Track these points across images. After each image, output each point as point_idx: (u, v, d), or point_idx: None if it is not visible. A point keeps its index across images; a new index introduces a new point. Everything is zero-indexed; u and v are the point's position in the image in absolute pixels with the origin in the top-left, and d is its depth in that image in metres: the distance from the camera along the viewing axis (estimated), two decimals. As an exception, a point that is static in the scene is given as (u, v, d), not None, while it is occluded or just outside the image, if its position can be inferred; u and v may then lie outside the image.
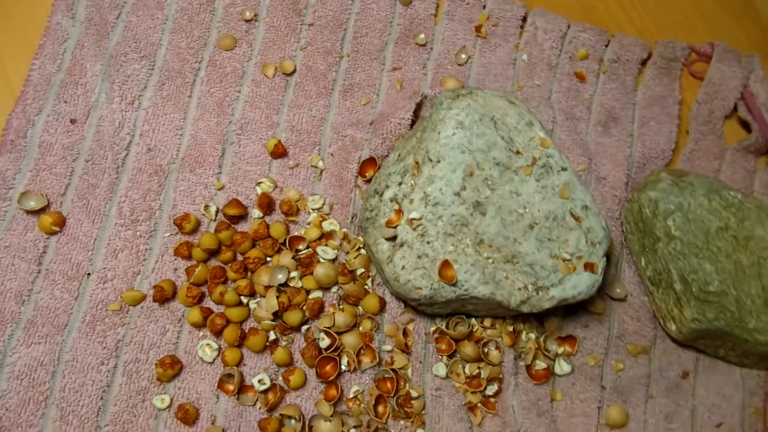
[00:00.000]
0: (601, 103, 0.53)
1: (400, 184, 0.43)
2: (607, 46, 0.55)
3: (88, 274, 0.44)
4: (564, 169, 0.44)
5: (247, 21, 0.51)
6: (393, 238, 0.42)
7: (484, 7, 0.55)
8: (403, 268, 0.41)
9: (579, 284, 0.42)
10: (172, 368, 0.42)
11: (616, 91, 0.53)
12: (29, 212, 0.44)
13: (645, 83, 0.54)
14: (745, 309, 0.43)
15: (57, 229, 0.44)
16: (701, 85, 0.54)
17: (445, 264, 0.41)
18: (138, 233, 0.45)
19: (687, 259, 0.44)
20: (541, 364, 0.45)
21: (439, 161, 0.42)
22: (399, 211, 0.42)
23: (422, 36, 0.52)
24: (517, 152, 0.43)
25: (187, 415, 0.41)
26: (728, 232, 0.45)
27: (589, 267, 0.42)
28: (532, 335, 0.46)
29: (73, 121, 0.47)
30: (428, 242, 0.41)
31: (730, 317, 0.44)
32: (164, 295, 0.44)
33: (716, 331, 0.44)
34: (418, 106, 0.50)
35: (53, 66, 0.48)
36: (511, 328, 0.46)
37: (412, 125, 0.49)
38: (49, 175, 0.46)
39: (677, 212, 0.45)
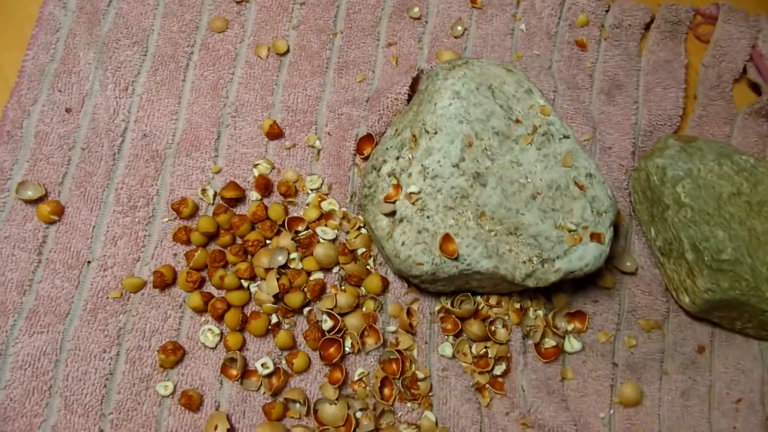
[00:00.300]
0: (604, 71, 0.51)
1: (397, 158, 0.42)
2: (607, 11, 0.53)
3: (88, 262, 0.44)
4: (566, 136, 0.42)
5: (238, 2, 0.50)
6: (392, 214, 0.41)
7: (481, -22, 0.53)
8: (403, 244, 0.40)
9: (585, 255, 0.40)
10: (174, 354, 0.42)
11: (619, 58, 0.52)
12: (27, 202, 0.44)
13: (649, 48, 0.52)
14: (761, 277, 0.42)
15: (56, 218, 0.44)
16: (707, 48, 0.52)
17: (446, 238, 0.40)
18: (136, 219, 0.45)
19: (698, 226, 0.42)
20: (550, 342, 0.44)
21: (436, 133, 0.41)
22: (397, 186, 0.41)
23: (416, 9, 0.51)
24: (517, 120, 0.42)
25: (191, 401, 0.41)
26: (741, 198, 0.43)
27: (595, 237, 0.41)
28: (540, 312, 0.45)
29: (68, 110, 0.47)
30: (428, 216, 0.40)
31: (746, 286, 0.42)
32: (164, 281, 0.43)
33: (731, 301, 0.42)
34: (415, 81, 0.49)
35: (47, 56, 0.48)
36: (518, 305, 0.44)
37: (409, 100, 0.48)
38: (46, 165, 0.45)
39: (686, 178, 0.43)
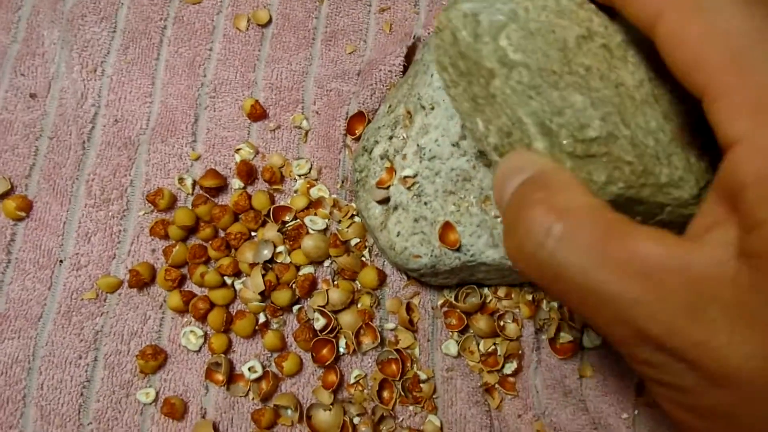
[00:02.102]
0: None
1: (390, 138, 0.37)
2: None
3: (60, 261, 0.41)
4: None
5: (214, -31, 0.46)
6: (385, 201, 0.36)
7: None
8: (398, 234, 0.36)
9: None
10: (155, 359, 0.39)
11: None
12: (-7, 198, 0.41)
13: None
14: (647, 153, 0.25)
15: (23, 214, 0.41)
16: None
17: (447, 226, 0.35)
18: (110, 213, 0.41)
19: (543, 94, 0.24)
20: (566, 337, 0.40)
21: (433, 108, 0.36)
22: (391, 169, 0.37)
23: (413, -30, 0.46)
24: None
25: (174, 409, 0.38)
26: (595, 42, 0.26)
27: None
28: (555, 304, 0.40)
29: (33, 96, 0.43)
30: (425, 203, 0.36)
31: (630, 173, 0.25)
32: (141, 280, 0.40)
33: (618, 204, 0.25)
34: (411, 50, 0.44)
35: (7, 37, 0.44)
36: (529, 297, 0.40)
37: (404, 72, 0.43)
38: (12, 156, 0.42)
39: (511, 24, 0.25)
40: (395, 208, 0.36)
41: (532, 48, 0.24)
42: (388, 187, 0.36)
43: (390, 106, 0.39)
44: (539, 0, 0.25)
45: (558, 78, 0.24)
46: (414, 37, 0.44)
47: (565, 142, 0.24)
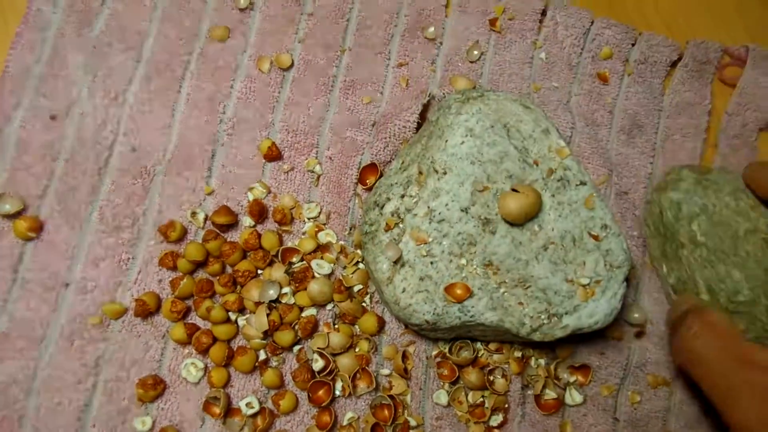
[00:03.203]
0: (625, 108, 0.49)
1: (402, 196, 0.39)
2: (633, 45, 0.50)
3: (67, 284, 0.41)
4: (583, 183, 0.40)
5: (241, 10, 0.47)
6: (398, 259, 0.38)
7: (501, -2, 0.50)
8: (403, 290, 0.38)
9: (596, 312, 0.38)
10: (154, 389, 0.40)
11: (642, 96, 0.49)
12: (4, 216, 0.41)
13: (673, 88, 0.49)
14: None
15: (33, 235, 0.41)
16: (733, 94, 0.49)
17: (455, 284, 0.37)
18: (120, 241, 0.42)
19: (714, 266, 0.40)
20: (551, 394, 0.42)
21: (445, 173, 0.38)
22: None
23: (432, 29, 0.48)
24: (535, 162, 0.39)
25: (169, 439, 0.39)
26: (757, 235, 0.41)
27: (607, 293, 0.38)
28: (542, 361, 0.43)
29: (53, 117, 0.44)
30: (432, 263, 0.38)
31: (761, 327, 0.40)
32: (147, 309, 0.40)
33: None
34: (425, 107, 0.46)
35: (32, 57, 0.44)
36: (519, 354, 0.42)
37: (418, 128, 0.45)
38: (27, 176, 0.42)
39: (702, 215, 0.41)
40: (402, 265, 0.38)
41: (713, 234, 0.41)
42: (398, 244, 0.38)
43: (403, 163, 0.41)
44: (724, 200, 0.41)
45: (726, 257, 0.40)
46: (429, 95, 0.46)
47: (722, 300, 0.40)
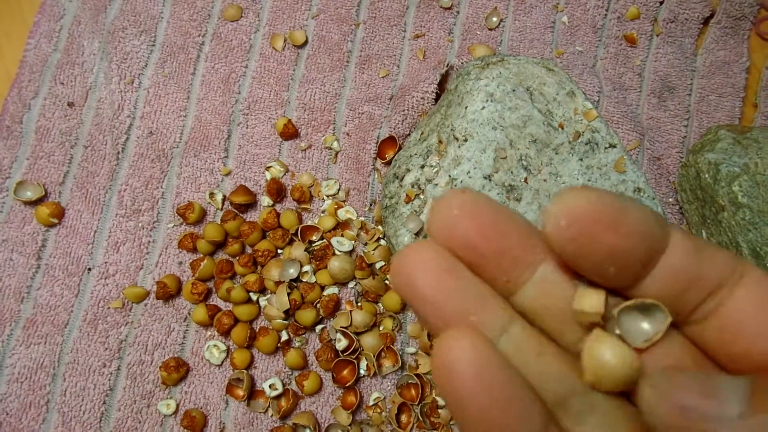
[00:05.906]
0: (655, 70, 0.46)
1: (422, 167, 0.38)
2: (662, 3, 0.47)
3: (89, 269, 0.41)
4: (612, 145, 0.38)
5: (253, -11, 0.47)
6: (419, 232, 0.37)
7: (519, -36, 0.48)
8: (426, 262, 0.36)
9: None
10: (177, 371, 0.39)
11: (673, 56, 0.46)
12: (26, 203, 0.42)
13: (706, 47, 0.47)
14: None
15: (55, 221, 0.41)
16: (773, 47, 0.47)
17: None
18: (140, 224, 0.42)
19: (758, 229, 0.38)
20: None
21: (466, 140, 0.37)
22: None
23: (448, -2, 0.47)
24: (560, 126, 0.37)
25: (194, 422, 0.38)
26: None
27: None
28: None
29: (70, 104, 0.44)
30: (455, 233, 0.36)
31: None
32: (168, 292, 0.40)
33: None
34: (444, 78, 0.44)
35: (49, 45, 0.45)
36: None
37: (436, 99, 0.43)
38: (47, 163, 0.43)
39: (743, 175, 0.38)
40: (424, 236, 0.37)
41: (755, 195, 0.37)
42: (419, 215, 0.37)
43: (422, 134, 0.40)
44: (766, 158, 0.38)
45: None
46: (447, 65, 0.45)
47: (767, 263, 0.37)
